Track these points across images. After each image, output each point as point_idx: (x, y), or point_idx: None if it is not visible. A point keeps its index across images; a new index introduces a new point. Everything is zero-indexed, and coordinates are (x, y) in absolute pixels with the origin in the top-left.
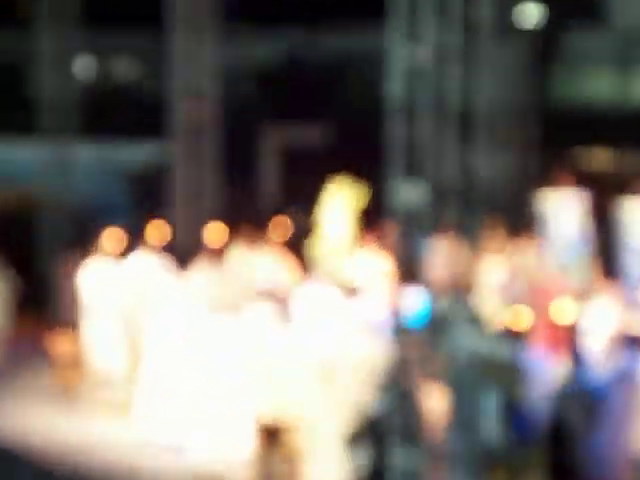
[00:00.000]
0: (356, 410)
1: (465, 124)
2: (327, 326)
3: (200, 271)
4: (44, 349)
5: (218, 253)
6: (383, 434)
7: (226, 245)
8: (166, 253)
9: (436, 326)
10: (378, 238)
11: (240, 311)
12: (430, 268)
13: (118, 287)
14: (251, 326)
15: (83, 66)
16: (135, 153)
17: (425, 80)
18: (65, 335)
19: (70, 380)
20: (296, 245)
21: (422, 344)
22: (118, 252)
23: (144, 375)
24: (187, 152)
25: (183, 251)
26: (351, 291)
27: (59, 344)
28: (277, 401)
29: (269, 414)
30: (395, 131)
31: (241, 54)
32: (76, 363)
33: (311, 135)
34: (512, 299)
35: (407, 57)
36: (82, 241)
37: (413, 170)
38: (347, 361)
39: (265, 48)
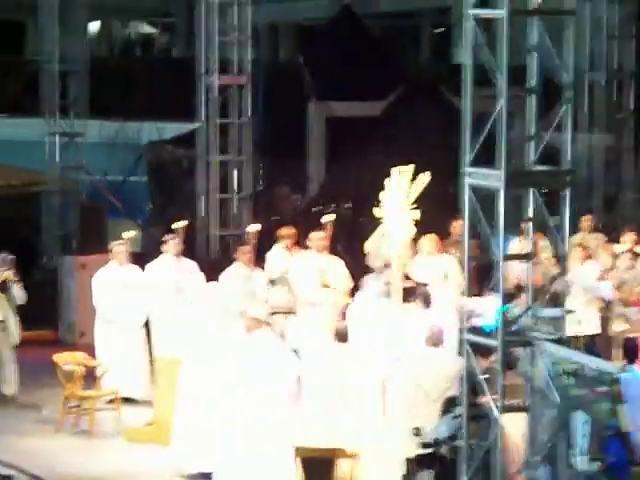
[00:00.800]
0: (418, 435)
1: (548, 98)
2: (385, 339)
3: (233, 279)
4: (52, 363)
5: (253, 257)
6: (449, 463)
7: (261, 246)
8: (192, 256)
9: (514, 338)
10: (446, 236)
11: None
12: (507, 270)
13: (138, 296)
14: (293, 345)
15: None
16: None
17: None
18: (77, 349)
19: (85, 403)
20: (348, 245)
21: (497, 358)
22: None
23: (182, 400)
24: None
25: (214, 254)
26: (414, 298)
27: (70, 359)
28: (326, 426)
29: (314, 441)
30: (465, 105)
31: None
32: (94, 382)
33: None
34: (610, 307)
35: (480, 22)
36: (96, 232)
37: (489, 153)
38: (408, 378)
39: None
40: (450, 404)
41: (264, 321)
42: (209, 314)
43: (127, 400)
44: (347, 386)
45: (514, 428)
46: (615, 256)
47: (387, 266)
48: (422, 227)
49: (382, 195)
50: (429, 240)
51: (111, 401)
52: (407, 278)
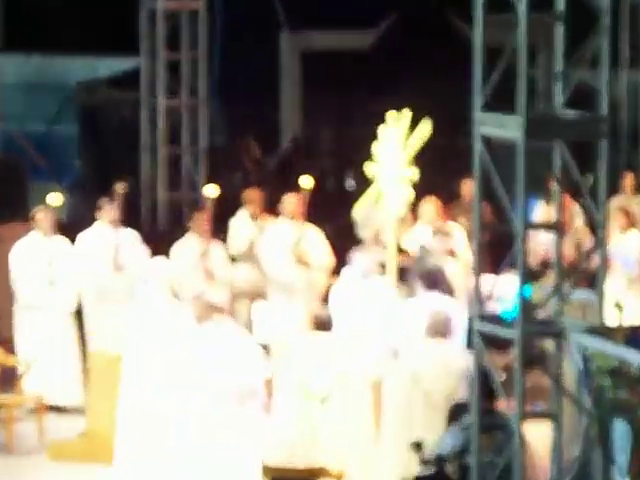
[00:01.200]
0: (418, 450)
1: (580, 27)
2: (377, 329)
3: (185, 253)
4: None
5: (210, 226)
6: None
7: (220, 213)
8: (134, 225)
9: (538, 328)
10: (452, 200)
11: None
12: (530, 244)
13: (68, 274)
14: (261, 338)
15: None
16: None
17: None
18: None
19: (1, 412)
20: (329, 213)
21: (516, 353)
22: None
23: (124, 406)
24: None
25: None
26: (412, 277)
27: None
28: (302, 439)
29: (288, 458)
30: (477, 35)
31: None
32: (12, 385)
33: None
34: None
35: None
36: (13, 196)
37: (505, 95)
38: (405, 379)
39: None
40: (457, 411)
41: (223, 307)
42: (155, 298)
43: (53, 408)
44: (329, 388)
45: (537, 440)
46: None
47: (379, 238)
48: (422, 189)
49: (374, 148)
50: (431, 205)
51: (34, 409)
52: (403, 252)
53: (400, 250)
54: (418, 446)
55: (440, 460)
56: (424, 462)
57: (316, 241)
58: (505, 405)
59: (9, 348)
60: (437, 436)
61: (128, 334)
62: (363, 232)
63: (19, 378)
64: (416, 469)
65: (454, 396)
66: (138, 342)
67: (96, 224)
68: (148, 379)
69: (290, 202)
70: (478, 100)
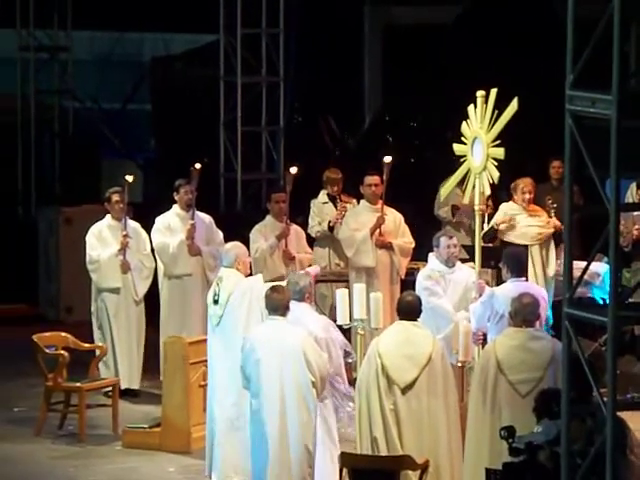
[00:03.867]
0: (509, 437)
1: None
2: (462, 317)
3: (265, 233)
4: (30, 345)
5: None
6: (548, 474)
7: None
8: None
9: (631, 312)
10: (541, 180)
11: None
12: (623, 224)
13: (145, 258)
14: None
15: None
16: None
17: None
18: (62, 328)
19: (73, 398)
20: (413, 192)
21: (607, 339)
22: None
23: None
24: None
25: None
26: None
27: (53, 340)
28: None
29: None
30: (569, 8)
31: None
32: (86, 371)
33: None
34: None
35: None
36: (86, 176)
37: (598, 72)
38: (492, 368)
39: None
40: (545, 399)
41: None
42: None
43: (127, 392)
44: (413, 377)
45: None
46: None
47: (459, 223)
48: (510, 169)
49: (464, 127)
50: (526, 186)
51: (107, 394)
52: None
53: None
54: (509, 432)
55: (532, 447)
56: (514, 450)
57: (396, 224)
58: (596, 393)
59: (80, 334)
60: (521, 425)
61: (209, 323)
62: (442, 212)
63: (94, 363)
64: (505, 457)
65: (540, 384)
66: (219, 330)
67: (174, 207)
68: (229, 365)
69: (370, 183)
70: (569, 77)
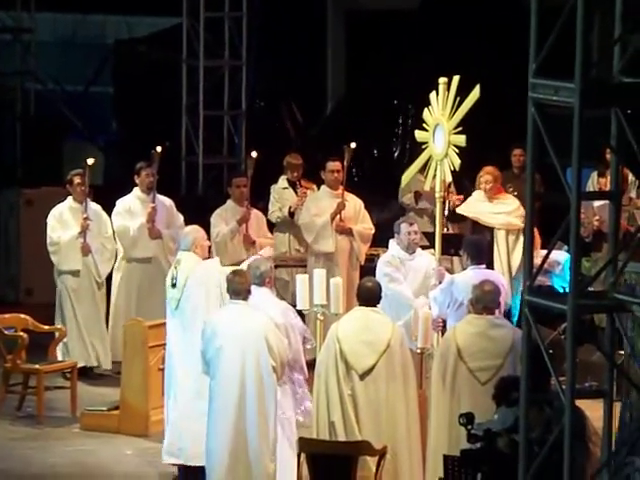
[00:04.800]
0: (468, 424)
1: None
2: (422, 303)
3: (225, 218)
4: None
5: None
6: (506, 461)
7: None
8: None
9: (590, 301)
10: (501, 170)
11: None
12: (585, 216)
13: (105, 240)
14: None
15: None
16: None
17: None
18: (21, 310)
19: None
20: (374, 179)
21: (567, 327)
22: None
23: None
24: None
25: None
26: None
27: (13, 322)
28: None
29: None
30: None
31: None
32: (39, 352)
33: None
34: None
35: None
36: (47, 158)
37: (561, 60)
38: (451, 354)
39: None
40: (504, 387)
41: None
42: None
43: (84, 372)
44: (371, 362)
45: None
46: None
47: (422, 210)
48: (471, 157)
49: (426, 114)
50: (483, 175)
51: (65, 376)
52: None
53: (452, 219)
54: (468, 418)
55: (490, 435)
56: (472, 436)
57: (356, 210)
58: (554, 382)
59: (40, 316)
60: (481, 412)
61: (168, 306)
62: (405, 199)
63: (53, 345)
64: (464, 444)
65: (500, 372)
66: (178, 314)
67: (135, 190)
68: (188, 349)
69: (332, 169)
70: (532, 65)
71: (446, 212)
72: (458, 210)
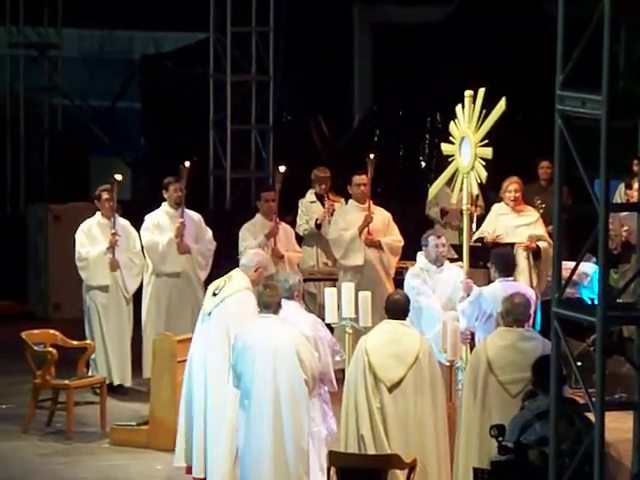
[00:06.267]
0: (501, 432)
1: None
2: (451, 316)
3: (253, 232)
4: (18, 343)
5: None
6: (537, 473)
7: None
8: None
9: (619, 313)
10: (530, 181)
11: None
12: (610, 227)
13: (134, 256)
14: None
15: None
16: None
17: None
18: (50, 325)
19: (61, 395)
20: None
21: (596, 339)
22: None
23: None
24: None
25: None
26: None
27: (42, 337)
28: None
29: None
30: (559, 7)
31: None
32: (69, 369)
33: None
34: None
35: None
36: (74, 174)
37: (588, 72)
38: (482, 367)
39: None
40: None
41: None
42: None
43: (117, 389)
44: (401, 375)
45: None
46: None
47: (452, 220)
48: (498, 169)
49: (452, 127)
50: (511, 184)
51: (95, 391)
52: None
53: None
54: (499, 430)
55: (521, 446)
56: (503, 448)
57: (384, 222)
58: (584, 394)
59: (69, 331)
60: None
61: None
62: (432, 212)
63: (82, 361)
64: (492, 457)
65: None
66: (204, 329)
67: (163, 205)
68: (213, 364)
69: (358, 182)
70: (559, 77)
71: (474, 226)
72: (482, 232)
